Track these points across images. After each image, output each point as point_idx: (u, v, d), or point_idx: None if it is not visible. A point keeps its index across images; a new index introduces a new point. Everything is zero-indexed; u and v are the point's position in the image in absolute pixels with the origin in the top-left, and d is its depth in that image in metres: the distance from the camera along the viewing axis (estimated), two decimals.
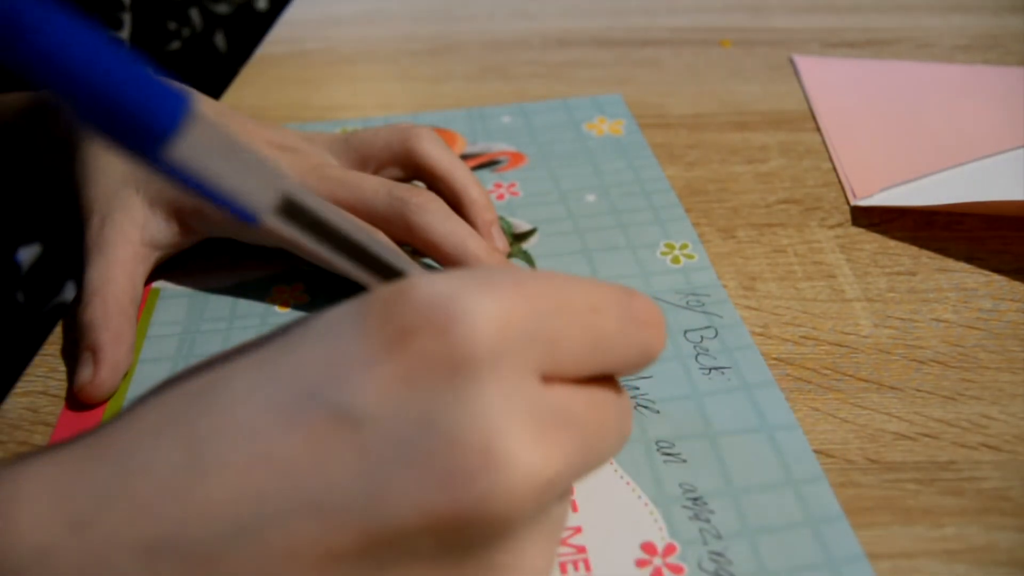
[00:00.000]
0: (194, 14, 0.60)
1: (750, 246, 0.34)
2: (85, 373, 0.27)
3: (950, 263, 0.33)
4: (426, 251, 0.31)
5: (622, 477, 0.24)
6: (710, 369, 0.28)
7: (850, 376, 0.27)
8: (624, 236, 0.35)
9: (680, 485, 0.24)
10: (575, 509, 0.23)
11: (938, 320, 0.30)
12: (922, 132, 0.42)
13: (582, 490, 0.24)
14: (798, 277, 0.32)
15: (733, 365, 0.28)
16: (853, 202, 0.37)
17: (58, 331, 0.31)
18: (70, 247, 0.51)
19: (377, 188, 0.31)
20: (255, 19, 0.68)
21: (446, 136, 0.44)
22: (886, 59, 0.52)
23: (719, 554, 0.22)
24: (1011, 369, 0.27)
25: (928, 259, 0.33)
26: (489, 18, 0.62)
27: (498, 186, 0.39)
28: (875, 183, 0.38)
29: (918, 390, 0.27)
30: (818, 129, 0.43)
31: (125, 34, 0.53)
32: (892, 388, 0.27)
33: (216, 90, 0.52)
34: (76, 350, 0.28)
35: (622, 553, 0.22)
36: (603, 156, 0.41)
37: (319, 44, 0.58)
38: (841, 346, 0.29)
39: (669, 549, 0.22)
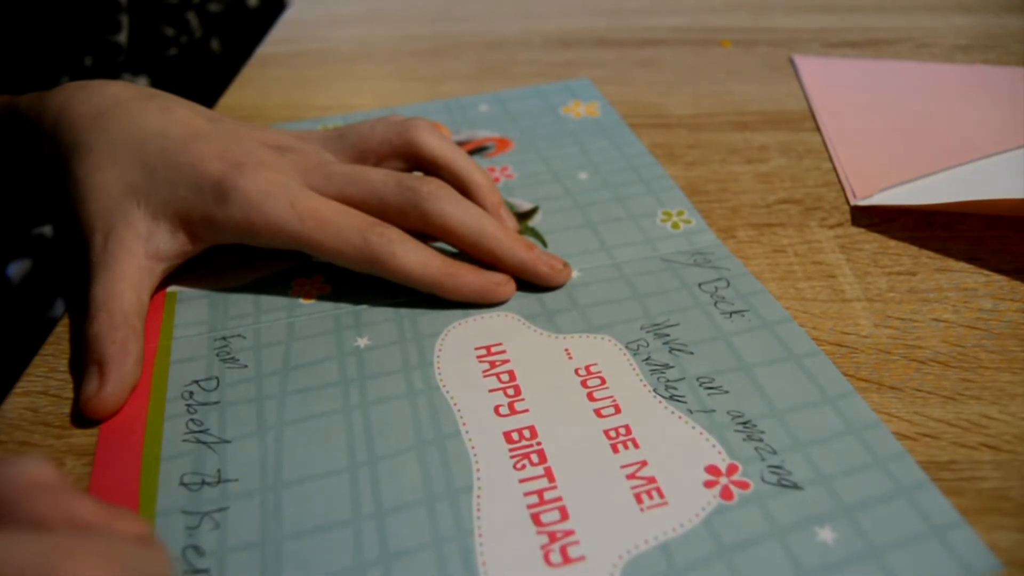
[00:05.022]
0: (191, 17, 0.60)
1: (750, 246, 0.34)
2: (91, 386, 0.27)
3: (950, 263, 0.33)
4: (442, 237, 0.31)
5: (673, 412, 0.26)
6: (730, 313, 0.30)
7: (850, 376, 0.27)
8: (623, 208, 0.37)
9: (728, 413, 0.26)
10: (637, 446, 0.25)
11: (938, 320, 0.30)
12: (922, 132, 0.42)
13: (641, 429, 0.25)
14: (798, 277, 0.32)
15: (750, 308, 0.30)
16: (853, 202, 0.37)
17: (58, 331, 0.31)
18: (61, 262, 0.50)
19: (386, 180, 0.31)
20: (247, 17, 0.68)
21: None
22: (886, 59, 0.52)
23: (778, 467, 0.24)
24: (1011, 369, 0.27)
25: (928, 259, 0.33)
26: (489, 18, 0.62)
27: (492, 170, 0.40)
28: (875, 183, 0.38)
29: (918, 390, 0.27)
30: (818, 129, 0.43)
31: (123, 36, 0.53)
32: (892, 388, 0.27)
33: (214, 91, 0.52)
34: (83, 364, 0.28)
35: (690, 477, 0.24)
36: (586, 137, 0.43)
37: (319, 44, 0.58)
38: (841, 346, 0.29)
39: (732, 468, 0.24)
